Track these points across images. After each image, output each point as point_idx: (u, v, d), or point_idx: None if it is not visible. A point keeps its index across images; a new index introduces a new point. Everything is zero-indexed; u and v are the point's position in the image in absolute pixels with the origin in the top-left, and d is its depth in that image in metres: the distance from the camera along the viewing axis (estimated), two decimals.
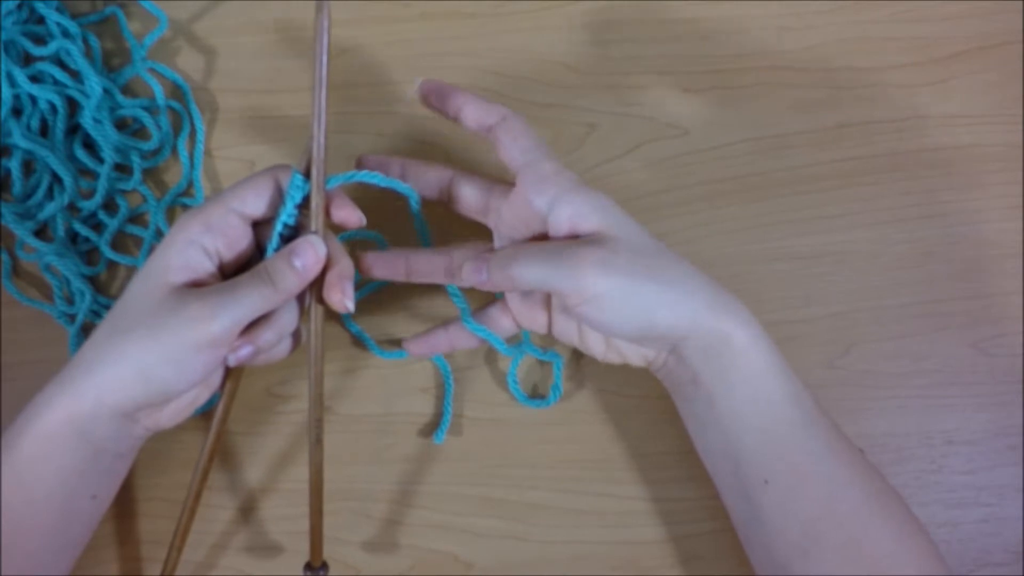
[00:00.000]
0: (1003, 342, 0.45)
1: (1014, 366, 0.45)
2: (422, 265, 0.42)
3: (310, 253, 0.37)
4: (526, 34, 0.49)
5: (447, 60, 0.49)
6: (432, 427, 0.45)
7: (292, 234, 0.38)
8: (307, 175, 0.37)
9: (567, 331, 0.41)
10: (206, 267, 0.37)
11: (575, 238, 0.37)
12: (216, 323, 0.35)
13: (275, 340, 0.38)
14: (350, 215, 0.38)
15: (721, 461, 0.39)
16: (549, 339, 0.42)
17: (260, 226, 0.39)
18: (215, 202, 0.37)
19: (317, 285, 0.38)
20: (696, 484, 0.43)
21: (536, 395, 0.46)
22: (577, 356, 0.46)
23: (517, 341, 0.44)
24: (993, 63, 0.48)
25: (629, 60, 0.49)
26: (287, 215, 0.37)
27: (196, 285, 0.37)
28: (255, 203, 0.38)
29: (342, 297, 0.38)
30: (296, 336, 0.40)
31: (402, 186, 0.40)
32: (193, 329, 0.35)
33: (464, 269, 0.39)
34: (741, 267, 0.46)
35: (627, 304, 0.36)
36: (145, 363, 0.35)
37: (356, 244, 0.46)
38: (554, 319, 0.41)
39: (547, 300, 0.41)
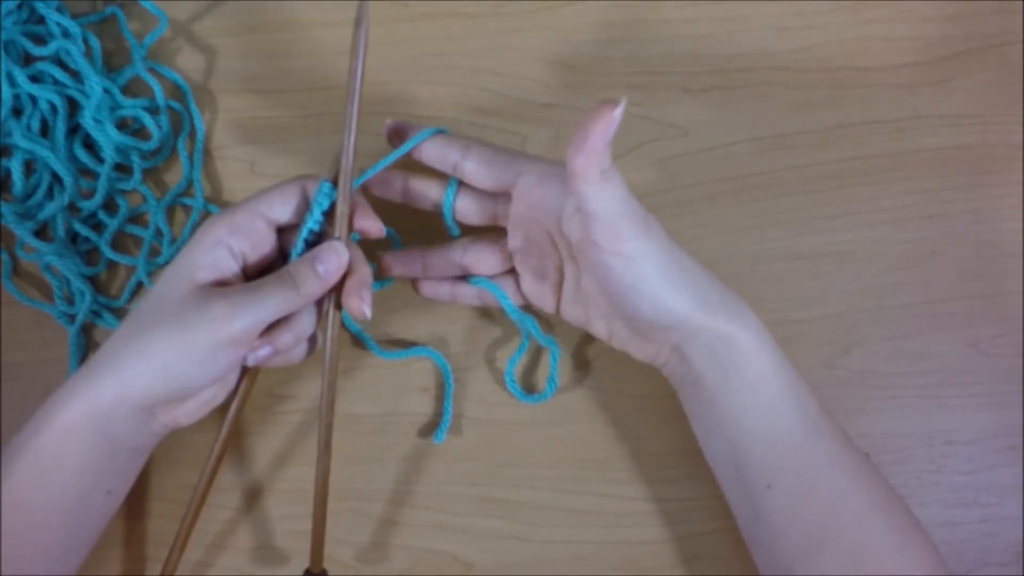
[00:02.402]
0: (1003, 342, 0.45)
1: (1014, 366, 0.45)
2: (438, 260, 0.43)
3: (333, 259, 0.38)
4: (526, 34, 0.49)
5: (447, 60, 0.49)
6: (432, 427, 0.45)
7: (315, 240, 0.39)
8: (334, 184, 0.39)
9: (575, 313, 0.41)
10: (231, 268, 0.38)
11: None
12: (239, 321, 0.36)
13: (293, 343, 0.39)
14: (371, 225, 0.39)
15: (724, 463, 0.39)
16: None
17: (284, 232, 0.40)
18: (243, 206, 0.38)
19: (336, 291, 0.39)
20: (696, 484, 0.43)
21: (533, 394, 0.45)
22: (580, 349, 0.46)
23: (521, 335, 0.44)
24: (993, 63, 0.48)
25: (629, 60, 0.49)
26: (313, 221, 0.39)
27: (220, 285, 0.37)
28: (281, 209, 0.39)
29: (360, 303, 0.38)
30: (312, 341, 0.41)
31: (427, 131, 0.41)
32: (216, 327, 0.36)
33: (613, 101, 0.33)
34: (741, 267, 0.46)
35: (655, 277, 0.36)
36: (167, 359, 0.36)
37: (372, 244, 0.46)
38: (563, 299, 0.41)
39: (559, 282, 0.41)
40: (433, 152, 0.40)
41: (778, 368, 0.37)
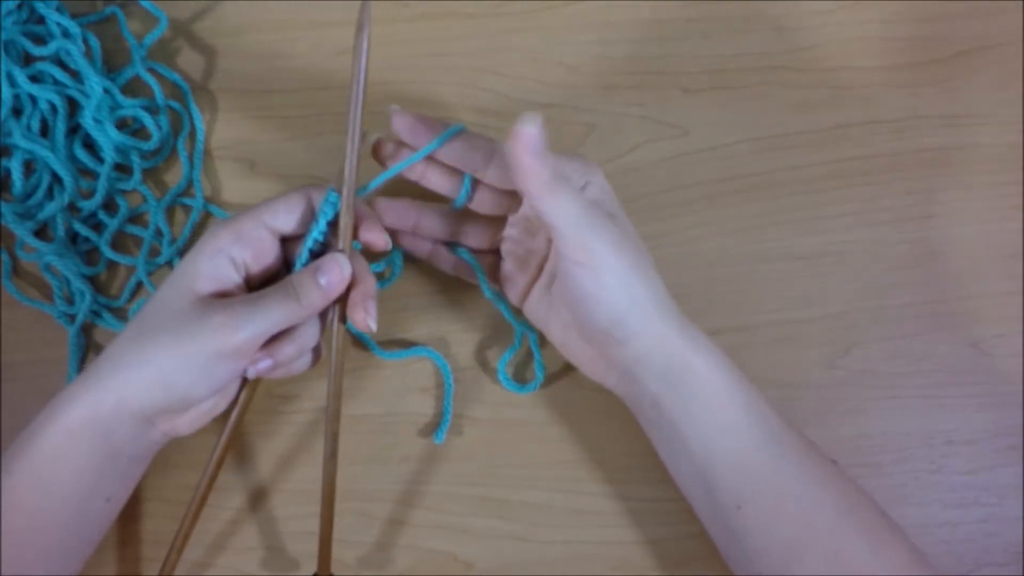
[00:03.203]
0: (1003, 342, 0.45)
1: (1014, 366, 0.45)
2: (431, 221, 0.43)
3: (335, 270, 0.37)
4: (526, 34, 0.49)
5: (447, 60, 0.49)
6: (432, 427, 0.45)
7: (320, 251, 0.39)
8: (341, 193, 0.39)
9: (537, 312, 0.41)
10: (233, 278, 0.38)
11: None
12: (240, 333, 0.36)
13: (295, 355, 0.39)
14: (377, 237, 0.39)
15: (692, 485, 0.39)
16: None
17: (288, 242, 0.40)
18: (247, 215, 0.38)
19: (341, 303, 0.39)
20: None
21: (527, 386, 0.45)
22: None
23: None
24: (993, 63, 0.48)
25: (629, 60, 0.49)
26: (318, 231, 0.38)
27: (222, 295, 0.37)
28: (286, 219, 0.38)
29: (365, 316, 0.38)
30: (316, 352, 0.41)
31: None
32: (217, 338, 0.36)
33: (525, 119, 0.34)
34: (741, 267, 0.46)
35: (615, 290, 0.36)
36: (168, 368, 0.36)
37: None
38: (532, 295, 0.41)
39: (536, 277, 0.41)
40: (453, 155, 0.40)
41: (735, 387, 0.37)
